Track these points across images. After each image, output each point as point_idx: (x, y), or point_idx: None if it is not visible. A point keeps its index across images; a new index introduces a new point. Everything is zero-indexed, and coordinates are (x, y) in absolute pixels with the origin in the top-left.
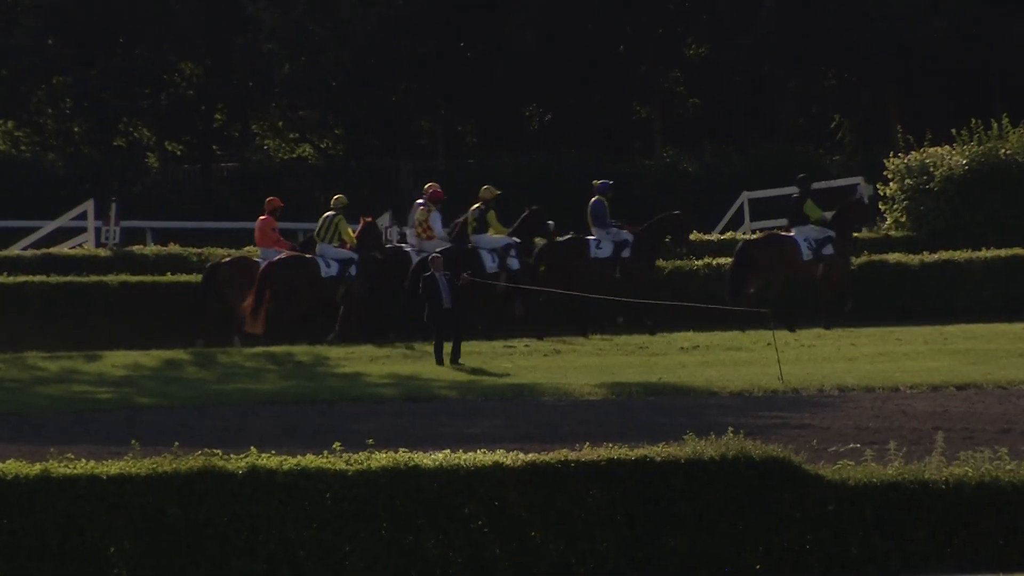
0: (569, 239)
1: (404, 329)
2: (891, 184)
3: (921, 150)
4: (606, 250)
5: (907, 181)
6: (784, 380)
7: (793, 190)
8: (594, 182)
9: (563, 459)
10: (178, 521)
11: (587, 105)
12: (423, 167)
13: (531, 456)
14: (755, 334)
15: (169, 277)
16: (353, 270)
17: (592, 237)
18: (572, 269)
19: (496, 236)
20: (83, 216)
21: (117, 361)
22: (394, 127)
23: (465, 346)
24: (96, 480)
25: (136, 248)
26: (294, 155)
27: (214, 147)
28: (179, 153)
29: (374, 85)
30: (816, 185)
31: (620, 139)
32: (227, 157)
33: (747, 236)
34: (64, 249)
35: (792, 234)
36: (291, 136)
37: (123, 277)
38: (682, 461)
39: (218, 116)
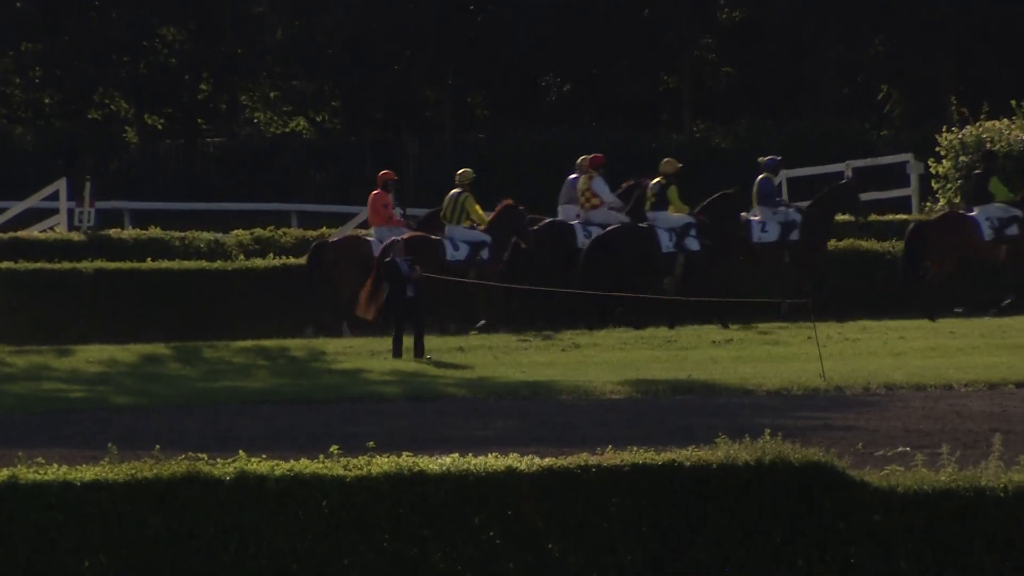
0: (729, 222)
1: (565, 315)
2: (944, 162)
3: (977, 124)
4: (772, 233)
5: (961, 158)
6: (826, 377)
7: (836, 167)
8: (760, 159)
9: (583, 464)
10: (159, 532)
11: (610, 74)
12: (429, 142)
13: (547, 461)
14: (795, 327)
15: (149, 264)
16: (486, 254)
17: (756, 219)
18: (731, 255)
19: (675, 214)
20: (54, 196)
21: (92, 356)
22: (397, 99)
23: (476, 340)
24: (69, 487)
25: (113, 232)
26: (287, 129)
27: (199, 121)
28: (160, 127)
29: (375, 52)
30: (861, 162)
31: (646, 112)
32: (213, 132)
33: (923, 216)
34: (33, 232)
35: (973, 213)
36: (284, 109)
37: (99, 264)
38: (714, 467)
39: (203, 86)
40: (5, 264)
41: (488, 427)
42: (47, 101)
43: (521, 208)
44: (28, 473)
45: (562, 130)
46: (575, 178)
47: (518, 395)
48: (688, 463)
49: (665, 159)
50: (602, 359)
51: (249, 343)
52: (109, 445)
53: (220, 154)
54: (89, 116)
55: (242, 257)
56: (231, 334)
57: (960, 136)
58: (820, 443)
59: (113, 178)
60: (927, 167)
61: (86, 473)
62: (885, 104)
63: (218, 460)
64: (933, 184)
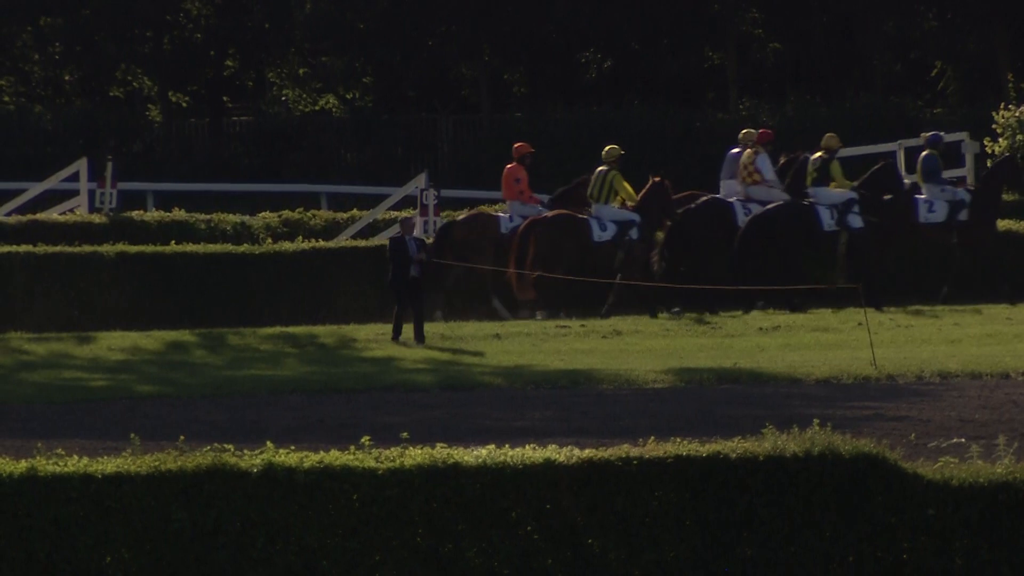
0: (893, 195)
1: (722, 296)
2: (1000, 140)
3: None
4: (940, 213)
5: (1019, 137)
6: (877, 366)
7: (888, 147)
8: (922, 134)
9: (624, 456)
10: (184, 527)
11: (652, 50)
12: (464, 121)
13: (587, 452)
14: (844, 314)
15: (173, 247)
16: (634, 233)
17: (922, 197)
18: (896, 232)
19: (837, 190)
20: (75, 177)
21: (114, 343)
22: (431, 75)
23: (511, 326)
24: (90, 480)
25: (136, 214)
26: (316, 107)
27: (225, 98)
28: (185, 105)
29: (409, 27)
30: (913, 142)
31: (690, 89)
32: (240, 110)
33: None
34: (53, 215)
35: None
36: (313, 86)
37: (121, 247)
38: (760, 458)
39: (229, 63)
40: (24, 247)
41: (525, 417)
42: (67, 78)
43: (668, 184)
44: (48, 465)
45: (602, 109)
46: (737, 152)
47: (557, 384)
48: (734, 455)
49: (828, 133)
50: (645, 347)
51: (277, 330)
52: (131, 436)
53: (247, 133)
54: (111, 94)
55: (270, 240)
56: (258, 320)
57: (1017, 114)
58: (871, 434)
59: (136, 158)
60: (983, 146)
61: (108, 465)
62: (939, 81)
63: (245, 452)
64: (989, 164)
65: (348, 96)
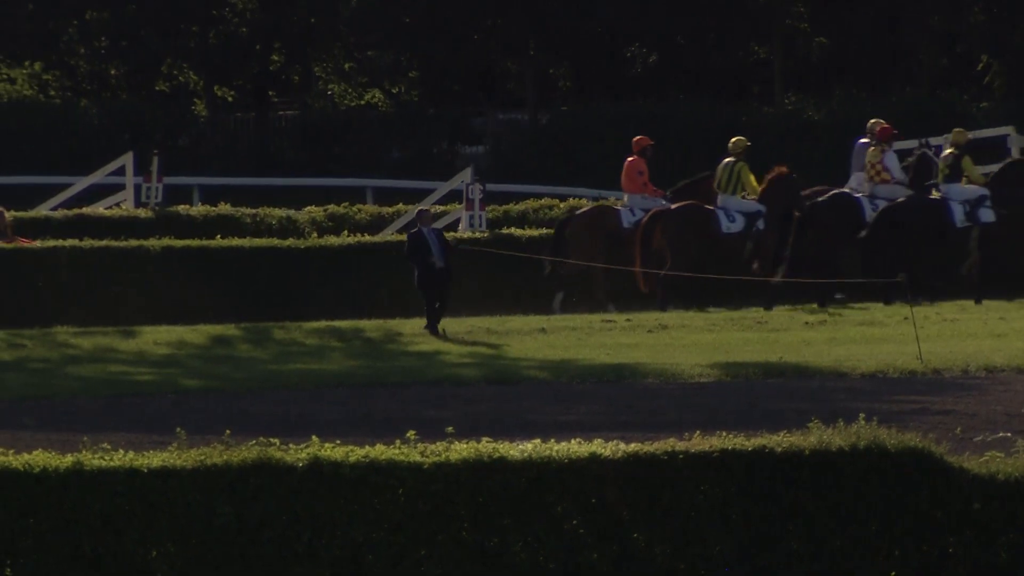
0: None
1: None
2: None
3: None
4: None
5: None
6: (923, 360)
7: (934, 141)
8: None
9: (670, 450)
10: (229, 521)
11: (698, 45)
12: (509, 116)
13: (633, 447)
14: (890, 307)
15: (219, 241)
16: (761, 224)
17: None
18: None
19: (969, 186)
20: (121, 172)
21: (159, 338)
22: (477, 70)
23: (557, 320)
24: (136, 474)
25: (181, 208)
26: (362, 102)
27: (270, 93)
28: (230, 99)
29: (455, 21)
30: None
31: (735, 83)
32: (285, 104)
33: None
34: (99, 209)
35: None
36: (359, 80)
37: (166, 241)
38: (806, 452)
39: (275, 57)
40: (70, 242)
41: (571, 412)
42: (113, 73)
43: (794, 176)
44: (93, 459)
45: (647, 103)
46: (865, 143)
47: (602, 378)
48: (779, 449)
49: (956, 129)
50: (690, 341)
51: (322, 324)
52: (177, 430)
53: (292, 127)
54: (156, 88)
55: (315, 235)
56: (303, 314)
57: None
58: (917, 428)
59: (181, 153)
60: None
61: (153, 459)
62: (985, 75)
63: (290, 446)
64: None
65: (394, 90)
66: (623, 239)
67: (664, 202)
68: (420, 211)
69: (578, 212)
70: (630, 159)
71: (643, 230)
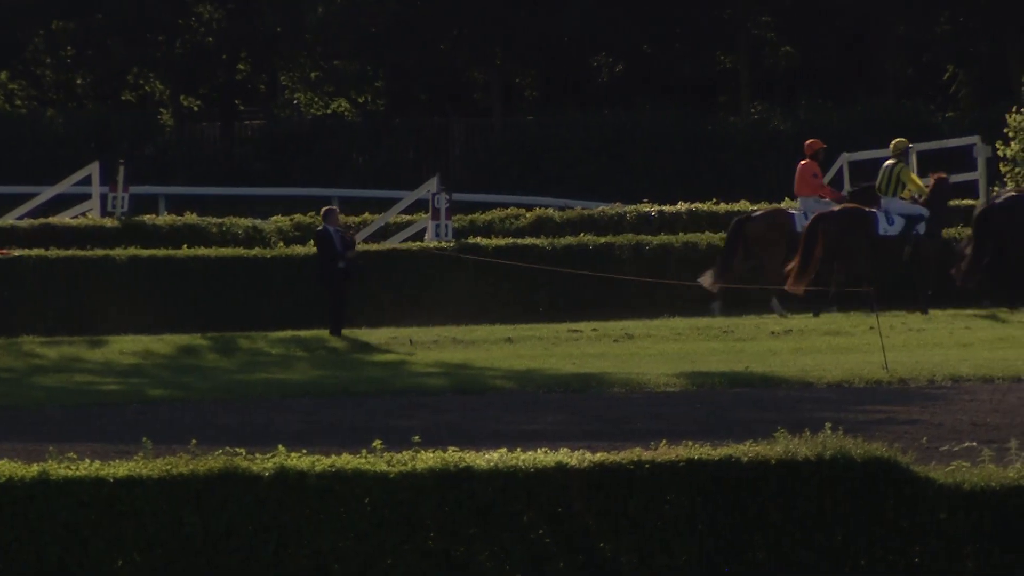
0: None
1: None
2: (1012, 144)
3: None
4: None
5: None
6: (889, 369)
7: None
8: None
9: (636, 460)
10: (195, 530)
11: (664, 54)
12: (476, 125)
13: (599, 456)
14: (856, 317)
15: (185, 251)
16: (921, 228)
17: None
18: None
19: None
20: (87, 181)
21: (125, 347)
22: (443, 79)
23: (524, 329)
24: (101, 483)
25: (147, 218)
26: (328, 111)
27: (236, 102)
28: (196, 109)
29: (421, 31)
30: (926, 146)
31: (702, 93)
32: (251, 114)
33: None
34: (65, 219)
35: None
36: (325, 89)
37: (132, 251)
38: (772, 462)
39: (241, 66)
40: (36, 251)
41: (537, 421)
42: (79, 82)
43: (952, 182)
44: (59, 469)
45: (614, 112)
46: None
47: (569, 388)
48: (746, 459)
49: (896, 139)
50: (656, 350)
51: (288, 334)
52: (143, 440)
53: (259, 137)
54: (123, 98)
55: (281, 244)
56: (269, 324)
57: None
58: (883, 438)
59: (147, 162)
60: (995, 150)
61: (119, 469)
62: (951, 84)
63: (256, 455)
64: (1001, 168)
65: (360, 100)
66: (796, 242)
67: (836, 204)
68: (326, 211)
69: (756, 213)
70: (803, 163)
71: (806, 232)
